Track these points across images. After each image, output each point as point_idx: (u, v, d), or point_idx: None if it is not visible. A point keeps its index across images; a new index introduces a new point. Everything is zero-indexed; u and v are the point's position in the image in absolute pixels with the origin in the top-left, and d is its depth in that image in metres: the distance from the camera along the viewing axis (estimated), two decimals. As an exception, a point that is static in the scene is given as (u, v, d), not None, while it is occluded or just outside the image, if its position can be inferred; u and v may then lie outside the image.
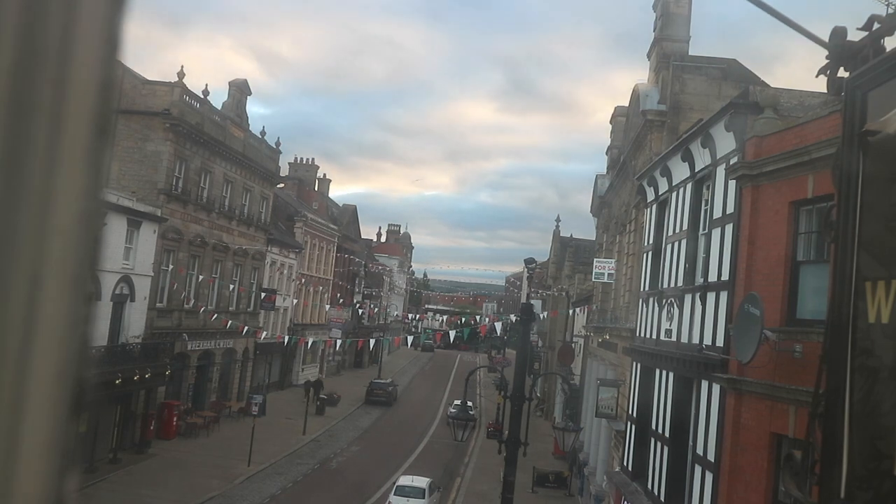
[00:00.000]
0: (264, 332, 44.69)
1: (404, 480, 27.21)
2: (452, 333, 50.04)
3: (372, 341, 58.03)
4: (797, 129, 10.70)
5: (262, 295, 43.42)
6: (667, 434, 14.36)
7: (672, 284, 15.02)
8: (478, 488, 31.08)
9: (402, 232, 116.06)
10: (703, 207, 13.91)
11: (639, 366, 17.44)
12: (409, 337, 60.75)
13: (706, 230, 13.47)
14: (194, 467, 28.67)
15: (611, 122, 34.12)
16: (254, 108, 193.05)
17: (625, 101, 28.09)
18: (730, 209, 12.13)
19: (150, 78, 33.42)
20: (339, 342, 53.39)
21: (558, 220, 77.30)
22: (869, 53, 5.36)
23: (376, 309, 78.73)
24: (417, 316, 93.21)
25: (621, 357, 21.71)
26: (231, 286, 39.59)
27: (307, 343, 50.88)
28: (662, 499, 14.26)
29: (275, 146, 45.35)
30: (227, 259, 38.79)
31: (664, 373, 15.00)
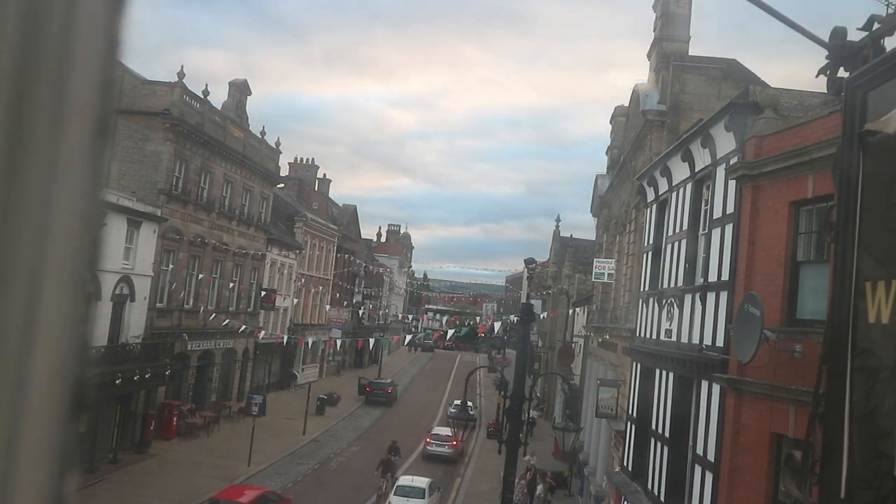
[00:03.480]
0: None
1: (404, 480, 27.19)
2: (450, 332, 50.08)
3: (372, 341, 58.01)
4: (797, 129, 10.69)
5: (262, 295, 43.42)
6: (667, 434, 14.35)
7: (672, 284, 15.02)
8: (478, 488, 31.07)
9: (402, 232, 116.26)
10: (703, 207, 13.90)
11: (639, 366, 17.43)
12: (407, 336, 60.78)
13: (706, 230, 13.46)
14: (194, 467, 28.66)
15: (611, 122, 34.12)
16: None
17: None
18: (730, 209, 12.13)
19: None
20: (339, 343, 53.50)
21: (558, 220, 77.37)
22: (869, 53, 5.36)
23: (377, 309, 78.72)
24: (418, 316, 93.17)
25: (621, 357, 21.69)
26: (231, 286, 39.59)
27: (307, 343, 50.89)
28: (662, 499, 14.25)
29: (275, 146, 45.37)
30: (227, 259, 38.77)
31: (664, 373, 14.99)
